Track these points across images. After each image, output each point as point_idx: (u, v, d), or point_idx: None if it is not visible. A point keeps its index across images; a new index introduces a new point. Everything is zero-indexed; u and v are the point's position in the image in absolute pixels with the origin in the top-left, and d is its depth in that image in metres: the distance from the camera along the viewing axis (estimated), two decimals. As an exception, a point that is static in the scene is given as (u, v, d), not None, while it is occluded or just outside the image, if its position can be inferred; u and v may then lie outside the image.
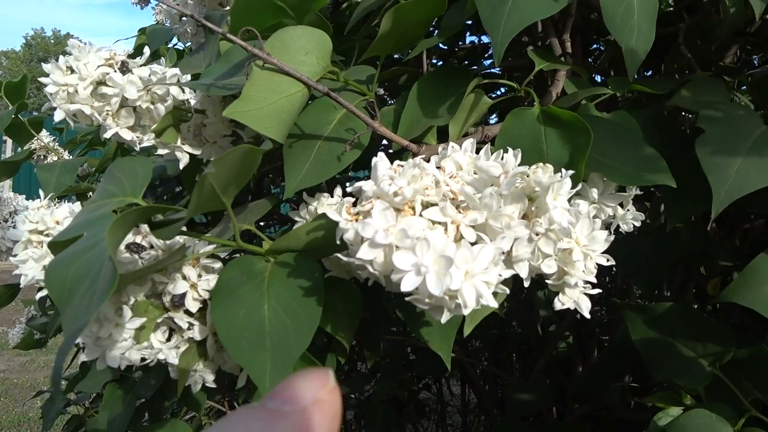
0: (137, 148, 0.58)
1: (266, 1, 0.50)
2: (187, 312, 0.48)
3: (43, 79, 0.54)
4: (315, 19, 0.53)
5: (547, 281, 0.41)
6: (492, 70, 0.98)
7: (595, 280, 0.41)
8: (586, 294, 0.42)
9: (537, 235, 0.37)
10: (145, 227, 0.48)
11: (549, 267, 0.39)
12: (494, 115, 1.01)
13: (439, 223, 0.35)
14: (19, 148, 1.08)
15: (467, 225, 0.35)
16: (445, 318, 0.35)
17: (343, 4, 0.88)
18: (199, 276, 0.48)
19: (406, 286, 0.32)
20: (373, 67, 0.56)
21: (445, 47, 1.00)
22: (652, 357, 0.57)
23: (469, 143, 0.41)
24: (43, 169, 0.90)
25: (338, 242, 0.37)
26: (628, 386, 0.83)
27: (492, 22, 0.46)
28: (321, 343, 0.63)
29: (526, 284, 0.40)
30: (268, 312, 0.42)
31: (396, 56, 0.82)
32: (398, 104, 0.55)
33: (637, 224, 0.50)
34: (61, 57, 0.54)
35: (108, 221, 0.36)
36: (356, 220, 0.36)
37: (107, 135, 0.55)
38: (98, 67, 0.54)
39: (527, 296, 1.05)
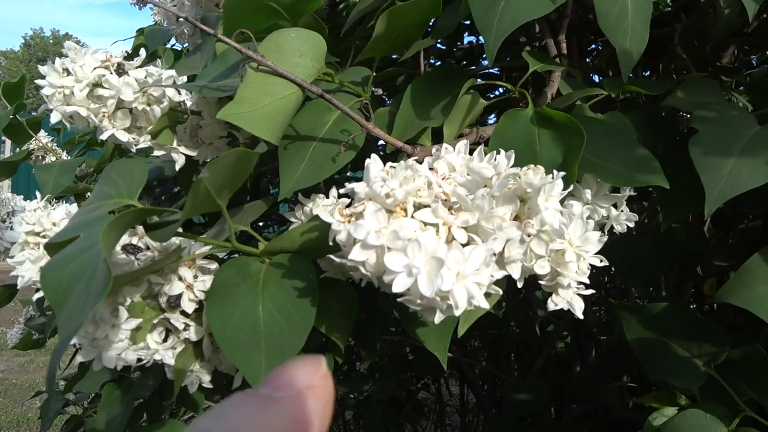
0: (133, 150, 0.58)
1: (260, 2, 0.50)
2: (183, 313, 0.48)
3: (39, 81, 0.54)
4: (310, 21, 0.53)
5: (540, 282, 0.41)
6: (491, 71, 0.98)
7: (588, 281, 0.41)
8: (579, 295, 0.42)
9: (529, 236, 0.37)
10: (141, 228, 0.48)
11: (542, 268, 0.39)
12: (492, 115, 1.01)
13: (431, 224, 0.35)
14: (18, 149, 1.08)
15: (459, 226, 0.35)
16: (438, 319, 0.35)
17: (340, 5, 0.88)
18: (195, 277, 0.48)
19: (397, 287, 0.32)
20: (368, 69, 0.56)
21: (444, 47, 1.00)
22: (647, 357, 0.58)
23: (463, 144, 0.41)
24: (42, 169, 0.90)
25: (331, 243, 0.37)
26: (626, 386, 0.83)
27: (485, 22, 0.46)
28: (319, 343, 0.64)
29: (520, 285, 0.40)
30: (263, 313, 0.42)
31: (394, 57, 0.82)
32: (393, 105, 0.55)
33: (631, 225, 0.50)
34: (57, 59, 0.54)
35: (104, 223, 0.36)
36: (348, 222, 0.36)
37: (103, 137, 0.55)
38: (94, 69, 0.54)
39: (525, 296, 1.05)
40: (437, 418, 1.47)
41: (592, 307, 1.09)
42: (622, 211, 0.50)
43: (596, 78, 0.88)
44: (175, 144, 0.57)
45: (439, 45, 0.97)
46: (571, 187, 0.41)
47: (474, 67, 1.00)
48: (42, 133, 1.13)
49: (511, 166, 0.38)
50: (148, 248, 0.50)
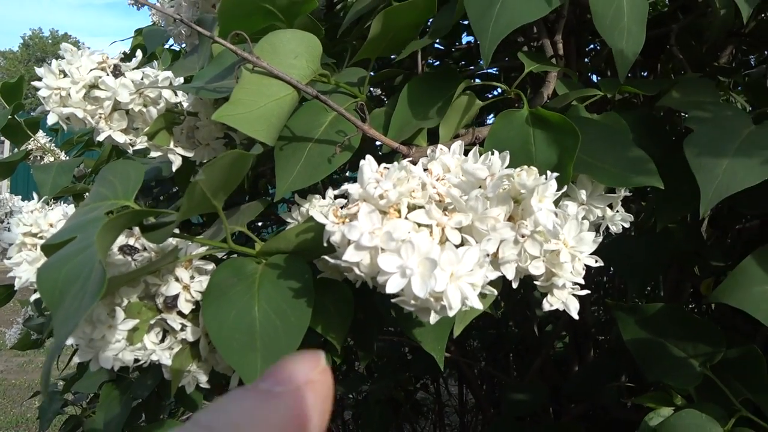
0: (130, 151, 0.58)
1: (255, 4, 0.50)
2: (180, 313, 0.48)
3: (36, 83, 0.54)
4: (306, 22, 0.53)
5: (535, 282, 0.41)
6: (489, 71, 0.98)
7: (583, 282, 0.41)
8: (574, 295, 0.42)
9: (523, 237, 0.38)
10: (137, 229, 0.48)
11: (537, 268, 0.39)
12: (491, 115, 1.01)
13: (425, 225, 0.35)
14: (16, 149, 1.08)
15: (452, 227, 0.35)
16: (432, 319, 0.35)
17: (337, 5, 0.88)
18: (192, 277, 0.48)
19: (391, 288, 0.32)
20: (364, 69, 0.56)
21: (442, 47, 1.00)
22: (644, 357, 0.58)
23: (457, 145, 0.41)
24: (40, 169, 0.90)
25: (326, 244, 0.37)
26: (624, 386, 0.83)
27: (480, 25, 0.46)
28: (316, 343, 0.64)
29: (515, 285, 0.40)
30: (259, 313, 0.42)
31: (393, 57, 0.82)
32: (389, 106, 0.55)
33: (626, 225, 0.50)
34: (54, 61, 0.54)
35: (100, 224, 0.36)
36: (343, 223, 0.36)
37: (100, 138, 0.55)
38: (91, 70, 0.54)
39: (523, 297, 1.05)
40: (436, 418, 1.48)
41: (591, 307, 1.09)
42: (617, 211, 0.50)
43: (595, 78, 0.88)
44: (171, 145, 0.57)
45: (437, 45, 0.97)
46: (566, 188, 0.41)
47: (472, 67, 1.00)
48: (40, 134, 1.13)
49: (507, 167, 0.38)
50: (144, 249, 0.50)
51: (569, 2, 0.65)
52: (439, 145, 0.43)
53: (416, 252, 0.32)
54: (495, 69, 0.94)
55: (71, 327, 0.34)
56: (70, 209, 0.60)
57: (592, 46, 0.89)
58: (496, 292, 0.37)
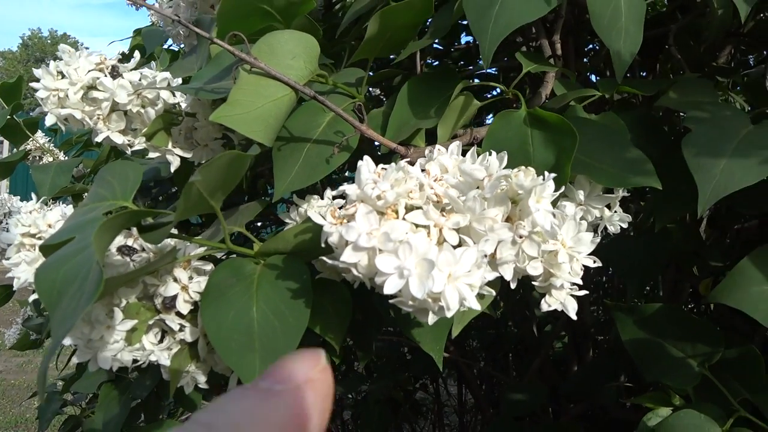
0: (129, 152, 0.58)
1: (253, 5, 0.50)
2: (179, 314, 0.48)
3: (34, 84, 0.54)
4: (304, 23, 0.53)
5: (533, 283, 0.41)
6: (488, 71, 0.98)
7: (581, 282, 0.41)
8: (572, 295, 0.42)
9: (521, 237, 0.38)
10: (135, 230, 0.48)
11: (535, 269, 0.39)
12: (490, 115, 1.01)
13: (422, 226, 0.35)
14: (15, 149, 1.08)
15: (450, 228, 0.35)
16: (431, 320, 0.35)
17: (335, 5, 0.88)
18: (190, 278, 0.48)
19: (389, 289, 0.32)
20: (362, 70, 0.56)
21: (441, 47, 1.00)
22: (642, 357, 0.58)
23: (455, 146, 0.41)
24: (39, 170, 0.90)
25: (324, 245, 0.37)
26: (623, 386, 0.83)
27: (480, 26, 0.46)
28: (315, 343, 0.64)
29: (513, 286, 0.40)
30: (257, 314, 0.42)
31: (392, 57, 0.82)
32: (387, 106, 0.55)
33: (624, 226, 0.50)
34: (52, 62, 0.54)
35: (98, 225, 0.36)
36: (340, 224, 0.36)
37: (98, 139, 0.55)
38: (89, 71, 0.54)
39: (522, 297, 1.05)
40: (435, 418, 1.48)
41: (590, 307, 1.10)
42: (615, 211, 0.50)
43: (594, 78, 0.88)
44: (170, 146, 0.57)
45: (436, 45, 0.97)
46: (564, 188, 0.41)
47: (471, 67, 1.00)
48: (39, 134, 1.13)
49: (504, 168, 0.38)
50: (143, 250, 0.50)
51: (567, 2, 0.65)
52: (437, 146, 0.43)
53: (414, 253, 0.32)
54: (493, 69, 0.94)
55: (68, 327, 0.34)
56: (69, 210, 0.60)
57: (590, 46, 0.89)
58: (494, 293, 0.37)
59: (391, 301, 0.34)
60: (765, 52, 0.90)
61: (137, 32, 1.21)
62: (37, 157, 1.12)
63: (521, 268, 0.39)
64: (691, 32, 0.77)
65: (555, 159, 0.45)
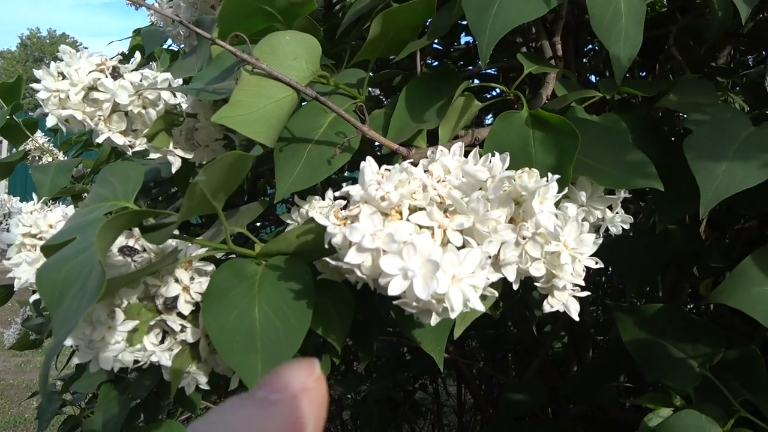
0: (129, 152, 0.58)
1: (254, 5, 0.50)
2: (180, 314, 0.48)
3: (34, 85, 0.54)
4: (305, 23, 0.53)
5: (536, 284, 0.42)
6: (488, 71, 0.98)
7: (583, 283, 0.41)
8: (574, 296, 0.42)
9: (524, 238, 0.38)
10: (137, 230, 0.48)
11: (537, 270, 0.39)
12: (489, 116, 1.01)
13: (426, 227, 0.35)
14: (14, 149, 1.08)
15: (454, 229, 0.35)
16: (434, 321, 0.35)
17: (336, 6, 0.88)
18: (192, 279, 0.48)
19: (393, 290, 0.32)
20: (363, 71, 0.56)
21: (440, 48, 1.00)
22: (643, 358, 0.58)
23: (458, 147, 0.41)
24: (38, 170, 0.90)
25: (327, 246, 0.37)
26: (623, 386, 0.83)
27: (478, 26, 0.46)
28: (316, 344, 0.64)
29: (515, 287, 0.40)
30: (259, 315, 0.42)
31: (391, 57, 0.82)
32: (389, 107, 0.55)
33: (626, 227, 0.50)
34: (52, 63, 0.54)
35: (99, 225, 0.36)
36: (344, 225, 0.36)
37: (99, 140, 0.55)
38: (89, 72, 0.54)
39: (522, 297, 1.05)
40: (434, 418, 1.48)
41: (590, 307, 1.10)
42: (617, 213, 0.50)
43: (593, 78, 0.88)
44: (171, 147, 0.57)
45: (436, 45, 0.97)
46: (566, 190, 0.41)
47: (471, 68, 1.00)
48: (39, 134, 1.13)
49: (506, 169, 0.38)
50: (144, 250, 0.50)
51: (567, 2, 0.65)
52: (439, 147, 0.43)
53: (418, 254, 0.32)
54: (492, 69, 0.94)
55: (70, 327, 0.34)
56: (70, 210, 0.60)
57: (590, 46, 0.89)
58: (496, 294, 0.37)
59: (395, 302, 0.34)
60: (764, 53, 0.91)
61: (137, 32, 1.21)
62: (37, 157, 1.12)
63: (524, 269, 0.39)
64: (691, 33, 0.77)
65: (557, 160, 0.45)
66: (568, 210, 0.43)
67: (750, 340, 0.63)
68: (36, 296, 0.68)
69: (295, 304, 0.42)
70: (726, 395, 0.53)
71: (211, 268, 0.49)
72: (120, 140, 0.56)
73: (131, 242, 0.50)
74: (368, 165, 0.38)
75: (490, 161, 0.38)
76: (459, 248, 0.34)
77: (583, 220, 0.46)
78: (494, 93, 1.01)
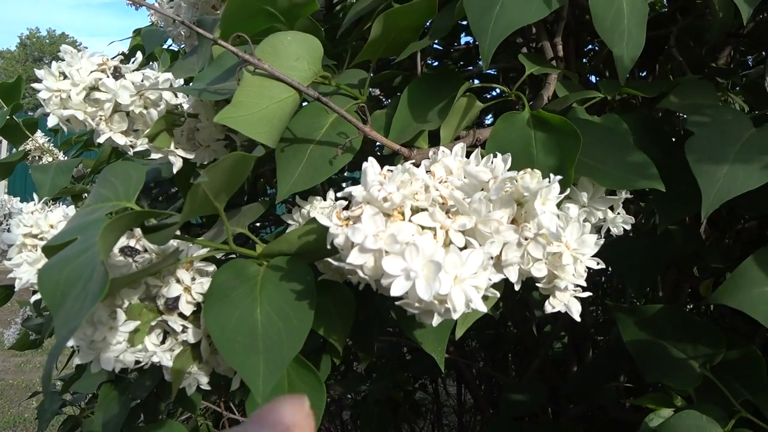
0: (130, 152, 0.58)
1: (257, 6, 0.50)
2: (181, 315, 0.48)
3: (36, 85, 0.54)
4: (307, 24, 0.53)
5: (537, 284, 0.42)
6: (488, 71, 0.98)
7: (585, 284, 0.41)
8: (576, 297, 0.42)
9: (526, 239, 0.38)
10: (139, 231, 0.48)
11: (539, 271, 0.40)
12: (490, 116, 1.01)
13: (429, 228, 0.35)
14: (14, 149, 1.08)
15: (456, 230, 0.35)
16: (435, 322, 0.35)
17: (336, 6, 0.88)
18: (193, 279, 0.48)
19: (395, 291, 0.32)
20: (365, 71, 0.56)
21: (441, 48, 1.00)
22: (643, 358, 0.58)
23: (459, 148, 0.41)
24: (38, 170, 0.90)
25: (329, 247, 0.37)
26: (623, 386, 0.83)
27: (480, 27, 0.46)
28: (317, 344, 0.64)
29: (517, 288, 0.40)
30: (261, 315, 0.42)
31: (392, 58, 0.82)
32: (390, 108, 0.55)
33: (627, 227, 0.50)
34: (53, 63, 0.54)
35: (101, 225, 0.36)
36: (346, 225, 0.36)
37: (100, 140, 0.55)
38: (91, 72, 0.54)
39: (522, 297, 1.05)
40: (434, 418, 1.48)
41: (589, 307, 1.10)
42: (618, 213, 0.50)
43: (593, 79, 0.88)
44: (172, 147, 0.57)
45: (436, 45, 0.97)
46: (568, 191, 0.41)
47: (471, 68, 1.00)
48: (39, 134, 1.13)
49: (508, 170, 0.38)
50: (145, 251, 0.50)
51: (569, 3, 0.65)
52: (441, 147, 0.43)
53: (420, 255, 0.32)
54: (493, 70, 0.94)
55: (73, 328, 0.34)
56: (71, 210, 0.60)
57: (590, 46, 0.90)
58: (498, 294, 0.37)
59: (397, 303, 0.34)
60: (764, 53, 0.91)
61: (137, 32, 1.21)
62: (37, 158, 1.12)
63: (526, 269, 0.39)
64: (691, 33, 0.77)
65: (558, 161, 0.45)
66: (570, 211, 0.43)
67: (750, 340, 0.63)
68: (36, 296, 0.68)
69: (297, 305, 0.42)
70: (727, 396, 0.53)
71: (212, 268, 0.49)
72: (121, 140, 0.56)
73: (132, 242, 0.50)
74: (370, 166, 0.38)
75: (492, 162, 0.38)
76: (461, 249, 0.34)
77: (585, 220, 0.46)
78: (494, 93, 1.01)
